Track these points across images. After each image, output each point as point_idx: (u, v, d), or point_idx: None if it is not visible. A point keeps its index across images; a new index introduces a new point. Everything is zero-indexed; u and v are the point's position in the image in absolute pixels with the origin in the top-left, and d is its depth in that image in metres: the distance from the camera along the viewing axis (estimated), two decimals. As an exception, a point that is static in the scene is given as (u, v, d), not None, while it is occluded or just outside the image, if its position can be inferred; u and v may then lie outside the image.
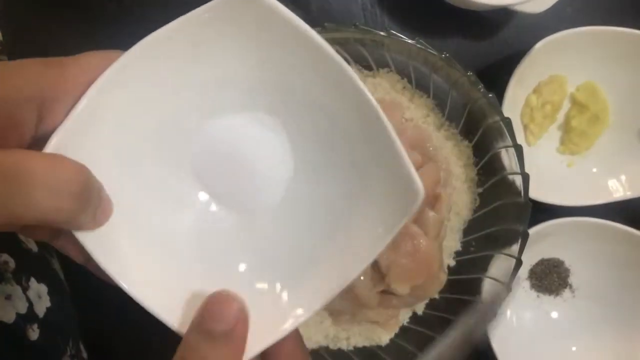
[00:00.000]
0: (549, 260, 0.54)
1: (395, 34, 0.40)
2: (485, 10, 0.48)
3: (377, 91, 0.46)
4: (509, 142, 0.41)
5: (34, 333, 0.39)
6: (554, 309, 0.54)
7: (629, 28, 0.47)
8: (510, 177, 0.43)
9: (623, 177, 0.50)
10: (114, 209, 0.25)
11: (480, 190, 0.46)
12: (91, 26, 0.49)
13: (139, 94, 0.26)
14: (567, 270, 0.54)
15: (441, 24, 0.50)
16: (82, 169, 0.21)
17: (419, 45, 0.40)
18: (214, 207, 0.29)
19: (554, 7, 0.47)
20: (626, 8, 0.52)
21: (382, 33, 0.40)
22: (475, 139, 0.45)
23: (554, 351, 0.53)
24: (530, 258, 0.53)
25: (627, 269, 0.51)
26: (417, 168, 0.41)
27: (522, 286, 0.54)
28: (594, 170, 0.52)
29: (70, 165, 0.21)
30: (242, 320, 0.25)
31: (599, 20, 0.49)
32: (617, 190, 0.50)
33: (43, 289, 0.41)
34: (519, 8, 0.46)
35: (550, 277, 0.54)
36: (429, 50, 0.40)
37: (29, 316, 0.39)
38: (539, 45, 0.45)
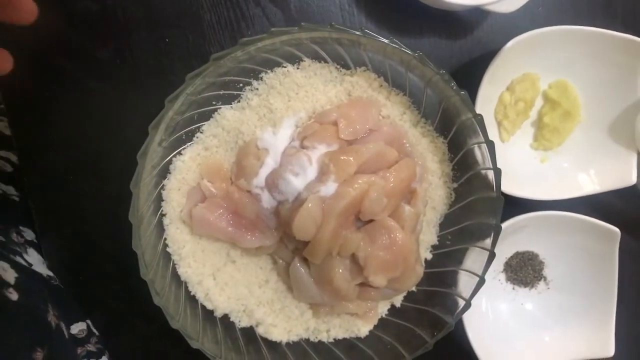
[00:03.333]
0: (523, 253, 0.55)
1: (369, 34, 0.41)
2: (459, 10, 0.50)
3: (354, 89, 0.46)
4: (482, 138, 0.42)
5: (12, 295, 0.41)
6: (528, 300, 0.56)
7: (599, 28, 0.48)
8: (484, 172, 0.44)
9: (592, 172, 0.52)
10: None
11: (455, 185, 0.48)
12: (72, 26, 0.49)
13: None
14: (541, 263, 0.56)
15: (417, 24, 0.51)
16: None
17: (393, 45, 0.41)
18: None
19: (526, 7, 0.48)
20: (595, 8, 0.53)
21: (357, 32, 0.41)
22: (450, 135, 0.46)
23: (528, 341, 0.54)
24: (505, 251, 0.55)
25: (598, 260, 0.53)
26: (394, 164, 0.43)
27: (498, 279, 0.55)
28: (565, 165, 0.53)
29: None
30: None
31: (570, 20, 0.51)
32: (587, 184, 0.51)
33: (5, 264, 0.43)
34: (491, 8, 0.47)
35: (525, 270, 0.55)
36: (403, 49, 0.41)
37: (1, 283, 0.41)
38: (510, 44, 0.47)
